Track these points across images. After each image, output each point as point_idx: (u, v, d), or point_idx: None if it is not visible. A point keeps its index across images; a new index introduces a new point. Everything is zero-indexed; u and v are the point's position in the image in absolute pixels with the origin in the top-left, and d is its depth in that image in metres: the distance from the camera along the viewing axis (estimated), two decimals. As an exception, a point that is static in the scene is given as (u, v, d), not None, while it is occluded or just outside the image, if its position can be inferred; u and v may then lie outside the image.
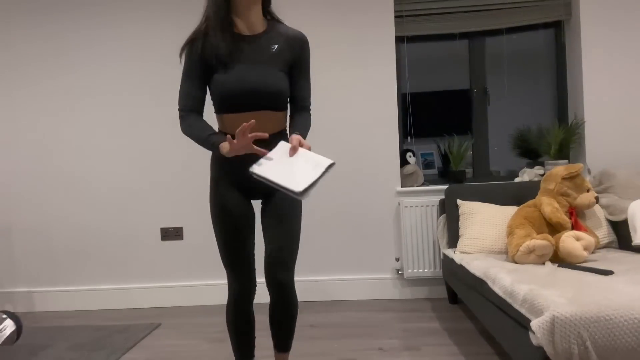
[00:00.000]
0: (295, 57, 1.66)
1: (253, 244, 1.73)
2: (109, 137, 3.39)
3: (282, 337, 1.77)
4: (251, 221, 1.73)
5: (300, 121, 1.71)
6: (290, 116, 1.75)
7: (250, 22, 1.60)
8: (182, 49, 1.65)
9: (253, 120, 1.44)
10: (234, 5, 1.57)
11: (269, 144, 1.57)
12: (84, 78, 3.38)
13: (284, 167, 1.43)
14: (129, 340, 2.65)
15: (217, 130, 1.63)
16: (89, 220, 3.40)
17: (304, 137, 1.65)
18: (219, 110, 1.64)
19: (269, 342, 1.88)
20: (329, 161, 1.46)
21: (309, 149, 1.54)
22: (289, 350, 1.80)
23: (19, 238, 3.44)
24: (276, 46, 1.61)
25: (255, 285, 1.73)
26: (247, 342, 1.76)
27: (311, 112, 1.80)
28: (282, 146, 1.51)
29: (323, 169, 1.43)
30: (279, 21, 1.66)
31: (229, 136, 1.48)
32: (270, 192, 1.68)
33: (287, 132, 1.75)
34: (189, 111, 1.67)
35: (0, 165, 3.44)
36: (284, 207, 1.67)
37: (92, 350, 2.51)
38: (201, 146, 1.60)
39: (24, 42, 3.40)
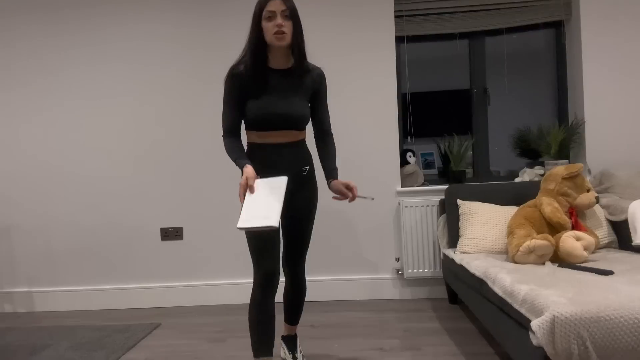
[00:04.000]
0: (315, 88, 1.98)
1: (280, 239, 1.95)
2: (109, 137, 3.39)
3: (294, 312, 2.16)
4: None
5: (330, 151, 2.06)
6: (316, 138, 2.09)
7: (281, 59, 1.91)
8: (226, 79, 1.91)
9: (259, 181, 1.78)
10: (269, 44, 1.87)
11: (294, 147, 1.96)
12: (85, 78, 3.38)
13: (257, 208, 1.66)
14: (129, 340, 2.65)
15: (247, 141, 1.97)
16: (89, 220, 3.40)
17: (335, 166, 2.02)
18: (251, 128, 1.93)
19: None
20: (284, 178, 1.75)
21: (356, 188, 1.92)
22: (296, 323, 2.20)
23: (19, 238, 3.44)
24: (301, 79, 1.92)
25: (279, 279, 1.90)
26: (270, 332, 1.86)
27: (332, 131, 2.09)
28: (259, 184, 1.76)
29: (283, 191, 1.70)
30: (304, 57, 1.92)
31: (249, 168, 1.79)
32: (289, 194, 1.89)
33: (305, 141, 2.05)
34: (229, 133, 1.93)
35: (0, 165, 3.44)
36: (309, 207, 2.02)
37: (92, 350, 2.51)
38: (231, 158, 1.90)
39: (23, 41, 3.40)
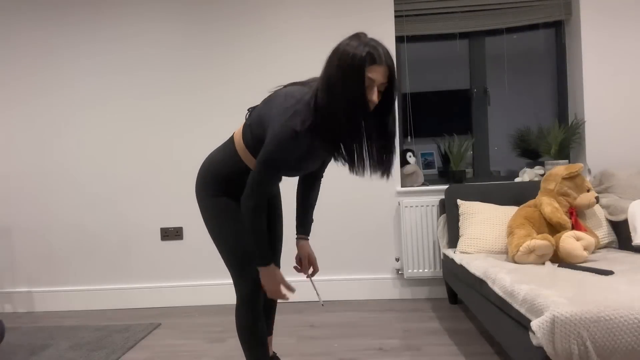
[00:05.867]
0: None
1: None
2: (109, 137, 3.39)
3: (269, 316, 1.93)
4: None
5: (315, 196, 1.83)
6: (304, 180, 1.83)
7: None
8: (293, 138, 1.49)
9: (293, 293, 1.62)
10: None
11: None
12: (84, 78, 3.38)
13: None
14: (129, 340, 2.65)
15: (237, 158, 1.65)
16: (89, 220, 3.40)
17: (312, 220, 1.84)
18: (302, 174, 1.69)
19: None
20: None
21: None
22: (272, 332, 1.97)
23: (19, 238, 3.44)
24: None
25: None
26: (263, 345, 1.69)
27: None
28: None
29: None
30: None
31: (277, 271, 1.59)
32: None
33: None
34: (263, 207, 1.54)
35: (0, 165, 3.44)
36: (276, 210, 1.87)
37: (92, 350, 2.51)
38: (255, 243, 1.55)
39: (23, 42, 3.40)
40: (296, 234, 1.82)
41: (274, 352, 2.00)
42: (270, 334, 1.95)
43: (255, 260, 1.58)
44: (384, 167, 1.50)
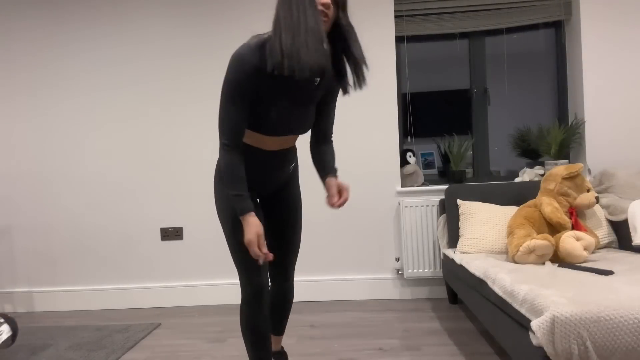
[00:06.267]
0: (328, 91, 1.68)
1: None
2: (109, 136, 3.39)
3: (279, 320, 1.88)
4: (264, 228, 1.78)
5: (332, 152, 1.76)
6: (317, 143, 1.75)
7: None
8: (235, 67, 1.49)
9: (271, 256, 1.53)
10: None
11: (290, 150, 1.69)
12: (84, 77, 3.38)
13: None
14: (129, 340, 2.65)
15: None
16: (88, 220, 3.40)
17: (336, 167, 1.72)
18: (254, 130, 1.57)
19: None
20: None
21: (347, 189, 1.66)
22: (283, 333, 1.93)
23: (19, 238, 3.44)
24: (317, 81, 1.57)
25: (268, 285, 1.78)
26: (268, 346, 1.68)
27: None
28: None
29: None
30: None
31: (256, 221, 1.50)
32: (274, 201, 1.77)
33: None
34: (233, 145, 1.51)
35: (0, 165, 3.44)
36: (295, 205, 1.78)
37: (92, 350, 2.51)
38: (227, 189, 1.53)
39: (23, 42, 3.40)
40: (323, 178, 1.69)
41: (282, 348, 1.99)
42: (280, 334, 1.92)
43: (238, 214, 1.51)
44: (356, 76, 1.58)
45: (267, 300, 1.66)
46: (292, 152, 1.71)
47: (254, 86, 1.46)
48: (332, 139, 1.79)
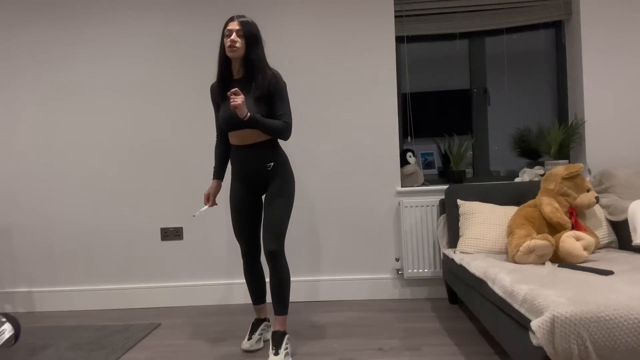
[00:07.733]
0: (271, 90, 2.24)
1: (254, 225, 2.43)
2: (109, 136, 3.39)
3: (274, 299, 2.28)
4: (252, 212, 2.42)
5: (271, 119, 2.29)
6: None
7: (237, 69, 2.30)
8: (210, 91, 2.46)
9: (216, 205, 2.61)
10: (230, 58, 2.27)
11: (257, 148, 2.31)
12: (84, 77, 3.38)
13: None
14: (129, 340, 2.65)
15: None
16: (89, 220, 3.40)
17: (259, 120, 2.18)
18: (224, 129, 2.40)
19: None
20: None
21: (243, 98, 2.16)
22: (284, 314, 2.30)
23: (19, 238, 3.44)
24: (257, 85, 2.22)
25: (259, 250, 2.46)
26: (256, 289, 2.50)
27: (288, 125, 2.27)
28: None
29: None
30: (255, 67, 2.24)
31: (213, 184, 2.50)
32: (267, 187, 2.36)
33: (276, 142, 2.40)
34: (218, 135, 2.49)
35: (0, 165, 3.44)
36: (274, 194, 2.29)
37: (92, 350, 2.51)
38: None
39: (23, 41, 3.40)
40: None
41: (266, 318, 2.57)
42: (276, 313, 2.30)
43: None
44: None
45: (255, 258, 2.45)
46: (263, 150, 2.29)
47: None
48: (287, 122, 2.29)
